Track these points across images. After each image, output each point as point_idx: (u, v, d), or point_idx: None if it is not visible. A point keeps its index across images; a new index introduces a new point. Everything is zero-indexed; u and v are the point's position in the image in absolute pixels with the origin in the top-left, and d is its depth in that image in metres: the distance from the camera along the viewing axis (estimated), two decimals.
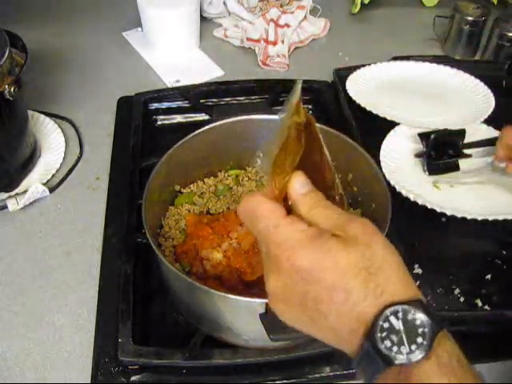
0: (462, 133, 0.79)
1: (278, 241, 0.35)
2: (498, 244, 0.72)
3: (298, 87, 0.38)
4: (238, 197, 0.72)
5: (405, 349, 0.32)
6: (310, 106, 0.92)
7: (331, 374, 0.58)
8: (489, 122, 0.84)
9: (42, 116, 0.88)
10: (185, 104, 0.91)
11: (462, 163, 0.80)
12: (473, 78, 0.93)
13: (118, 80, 0.99)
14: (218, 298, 0.52)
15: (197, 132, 0.69)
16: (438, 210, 0.71)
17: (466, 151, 0.81)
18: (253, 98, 0.92)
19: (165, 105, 0.91)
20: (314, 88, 0.93)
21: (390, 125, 0.84)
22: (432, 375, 0.32)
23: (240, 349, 0.57)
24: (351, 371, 0.58)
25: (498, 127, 0.85)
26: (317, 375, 0.58)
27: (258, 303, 0.50)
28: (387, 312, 0.32)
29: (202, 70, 1.03)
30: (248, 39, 1.07)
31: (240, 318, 0.55)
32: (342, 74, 0.95)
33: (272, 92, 0.90)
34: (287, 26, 1.09)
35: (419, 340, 0.32)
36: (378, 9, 1.22)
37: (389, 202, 0.59)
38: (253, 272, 0.60)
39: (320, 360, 0.58)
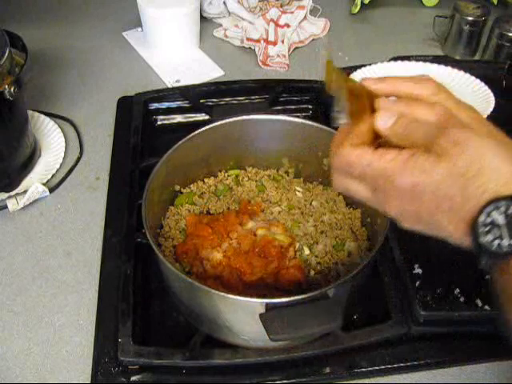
0: None
1: (377, 174, 0.39)
2: None
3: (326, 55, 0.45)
4: (237, 197, 0.72)
5: (507, 240, 0.34)
6: (310, 106, 0.92)
7: (331, 374, 0.58)
8: (489, 121, 0.84)
9: (42, 116, 0.88)
10: (185, 104, 0.91)
11: None
12: (473, 78, 0.92)
13: (118, 80, 0.99)
14: (218, 297, 0.52)
15: (197, 132, 0.69)
16: None
17: None
18: (253, 98, 0.92)
19: (165, 105, 0.91)
20: (314, 88, 0.93)
21: None
22: None
23: (240, 349, 0.57)
24: (351, 371, 0.58)
25: (497, 127, 0.84)
26: (317, 375, 0.58)
27: (258, 303, 0.50)
28: (491, 205, 0.34)
29: (202, 70, 1.03)
30: (248, 39, 1.07)
31: (240, 318, 0.55)
32: None
33: (272, 92, 0.90)
34: (287, 26, 1.09)
35: None
36: (378, 9, 1.22)
37: None
38: (253, 272, 0.60)
39: (320, 360, 0.58)
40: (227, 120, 0.70)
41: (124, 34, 1.12)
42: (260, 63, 1.04)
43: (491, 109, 0.85)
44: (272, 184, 0.74)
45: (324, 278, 0.62)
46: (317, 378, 0.58)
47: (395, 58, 1.00)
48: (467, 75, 0.93)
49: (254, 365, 0.57)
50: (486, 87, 0.90)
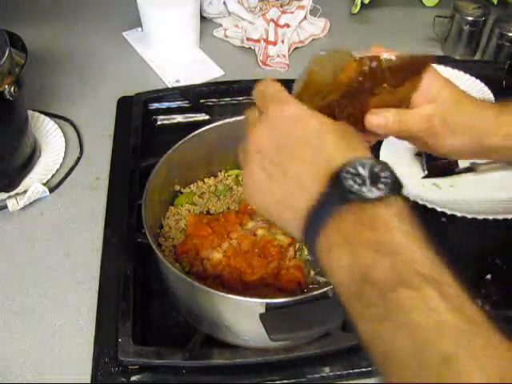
0: None
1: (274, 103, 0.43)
2: (498, 244, 0.72)
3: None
4: (238, 197, 0.72)
5: (366, 188, 0.35)
6: None
7: (331, 374, 0.58)
8: None
9: (42, 116, 0.88)
10: (185, 104, 0.91)
11: (462, 163, 0.80)
12: (473, 78, 0.92)
13: (118, 80, 0.99)
14: (218, 297, 0.52)
15: (197, 132, 0.69)
16: (438, 210, 0.71)
17: None
18: (253, 97, 0.92)
19: (165, 105, 0.91)
20: None
21: None
22: (385, 215, 0.35)
23: (240, 349, 0.57)
24: (351, 371, 0.58)
25: None
26: (317, 375, 0.58)
27: (258, 303, 0.50)
28: (356, 162, 0.36)
29: (201, 70, 1.03)
30: (248, 39, 1.07)
31: (240, 318, 0.55)
32: None
33: None
34: (287, 26, 1.09)
35: (381, 186, 0.35)
36: (378, 9, 1.22)
37: None
38: (253, 272, 0.60)
39: (320, 360, 0.58)
40: (227, 120, 0.70)
41: (124, 34, 1.12)
42: (260, 63, 1.04)
43: None
44: None
45: (324, 278, 0.62)
46: (317, 377, 0.58)
47: None
48: (467, 75, 0.93)
49: (254, 365, 0.57)
50: (486, 88, 0.90)
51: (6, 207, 0.74)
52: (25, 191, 0.75)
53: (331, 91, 0.46)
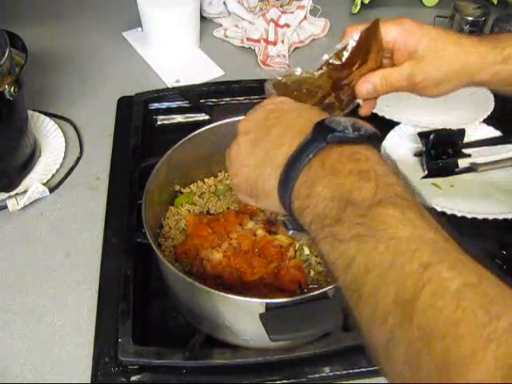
0: (461, 132, 0.80)
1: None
2: (498, 244, 0.72)
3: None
4: (237, 197, 0.72)
5: (348, 131, 0.38)
6: None
7: (331, 374, 0.58)
8: (488, 121, 0.84)
9: (42, 116, 0.88)
10: (185, 104, 0.91)
11: (462, 163, 0.80)
12: None
13: (118, 80, 0.99)
14: (218, 297, 0.52)
15: (197, 132, 0.69)
16: (438, 209, 0.71)
17: (466, 151, 0.81)
18: (253, 97, 0.92)
19: (165, 105, 0.91)
20: None
21: (390, 124, 0.84)
22: (367, 153, 0.37)
23: (240, 349, 0.57)
24: (351, 371, 0.58)
25: (497, 127, 0.85)
26: (317, 375, 0.58)
27: (258, 303, 0.50)
28: (337, 117, 0.39)
29: (201, 70, 1.03)
30: (248, 39, 1.07)
31: (240, 317, 0.55)
32: None
33: None
34: (287, 26, 1.09)
35: (362, 132, 0.38)
36: (378, 9, 1.22)
37: None
38: (253, 272, 0.60)
39: (320, 360, 0.58)
40: (227, 120, 0.70)
41: (124, 33, 1.12)
42: (260, 63, 1.04)
43: (491, 109, 0.86)
44: None
45: (324, 278, 0.62)
46: (317, 377, 0.58)
47: None
48: None
49: (254, 365, 0.57)
50: (486, 87, 0.90)
51: (5, 207, 0.74)
52: (25, 191, 0.75)
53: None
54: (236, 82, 0.94)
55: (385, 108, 0.85)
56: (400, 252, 0.30)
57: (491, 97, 0.88)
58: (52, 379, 0.58)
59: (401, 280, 0.29)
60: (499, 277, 0.29)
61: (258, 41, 1.07)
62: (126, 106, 0.90)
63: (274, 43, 1.06)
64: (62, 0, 1.21)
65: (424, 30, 0.54)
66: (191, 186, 0.74)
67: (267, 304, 0.50)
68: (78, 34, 1.11)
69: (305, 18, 1.13)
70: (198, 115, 0.90)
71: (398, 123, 0.84)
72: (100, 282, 0.66)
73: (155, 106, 0.91)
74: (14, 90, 0.68)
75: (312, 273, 0.63)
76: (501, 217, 0.70)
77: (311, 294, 0.51)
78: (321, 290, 0.51)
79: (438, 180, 0.79)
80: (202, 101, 0.91)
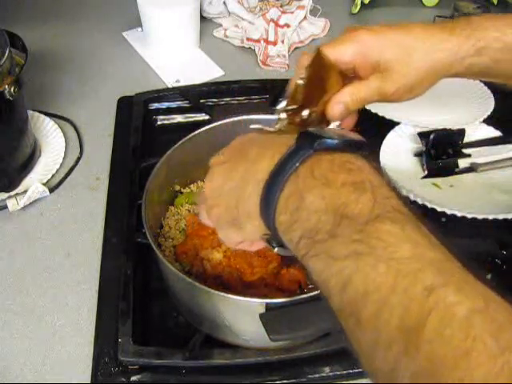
0: (461, 132, 0.80)
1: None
2: (498, 244, 0.72)
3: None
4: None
5: (335, 138, 0.36)
6: None
7: (331, 374, 0.58)
8: (488, 121, 0.84)
9: (42, 116, 0.88)
10: (185, 104, 0.91)
11: (462, 163, 0.80)
12: None
13: (118, 80, 0.99)
14: (218, 297, 0.52)
15: (197, 132, 0.69)
16: (438, 209, 0.71)
17: (466, 151, 0.81)
18: (253, 97, 0.92)
19: (165, 105, 0.91)
20: None
21: (390, 124, 0.84)
22: (358, 162, 0.35)
23: (240, 349, 0.57)
24: (351, 371, 0.58)
25: (497, 127, 0.85)
26: (317, 375, 0.58)
27: (258, 303, 0.50)
28: (321, 130, 0.37)
29: (201, 69, 1.03)
30: (248, 39, 1.07)
31: (240, 317, 0.55)
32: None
33: (272, 92, 0.90)
34: (287, 26, 1.09)
35: (350, 140, 0.36)
36: (378, 9, 1.22)
37: None
38: (253, 272, 0.60)
39: (320, 360, 0.58)
40: (227, 120, 0.70)
41: (124, 33, 1.12)
42: (260, 63, 1.04)
43: (491, 109, 0.86)
44: None
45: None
46: (317, 377, 0.58)
47: None
48: None
49: (254, 365, 0.57)
50: (486, 88, 0.90)
51: (5, 207, 0.74)
52: (25, 191, 0.75)
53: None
54: (236, 81, 0.94)
55: (385, 108, 0.85)
56: (402, 273, 0.28)
57: (491, 97, 0.88)
58: (52, 379, 0.58)
59: (404, 305, 0.27)
60: (499, 294, 0.28)
61: (258, 41, 1.07)
62: (126, 106, 0.90)
63: (274, 43, 1.06)
64: (62, 0, 1.21)
65: (381, 41, 0.50)
66: (191, 185, 0.74)
67: (267, 304, 0.50)
68: (78, 34, 1.11)
69: (305, 17, 1.13)
70: (197, 115, 0.90)
71: (398, 123, 0.84)
72: (100, 282, 0.66)
73: (155, 105, 0.91)
74: (14, 90, 0.68)
75: None
76: (501, 217, 0.70)
77: (311, 294, 0.51)
78: None
79: (438, 180, 0.79)
80: (201, 101, 0.91)
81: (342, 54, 0.50)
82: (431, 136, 0.78)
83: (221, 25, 1.15)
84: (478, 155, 0.81)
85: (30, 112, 0.82)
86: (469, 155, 0.81)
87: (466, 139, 0.80)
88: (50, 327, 0.62)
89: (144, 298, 0.64)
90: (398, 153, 0.81)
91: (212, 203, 0.42)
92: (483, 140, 0.83)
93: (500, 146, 0.82)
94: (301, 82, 0.49)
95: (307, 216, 0.33)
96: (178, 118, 0.91)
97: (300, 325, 0.49)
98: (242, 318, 0.55)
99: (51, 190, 0.77)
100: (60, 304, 0.64)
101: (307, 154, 0.35)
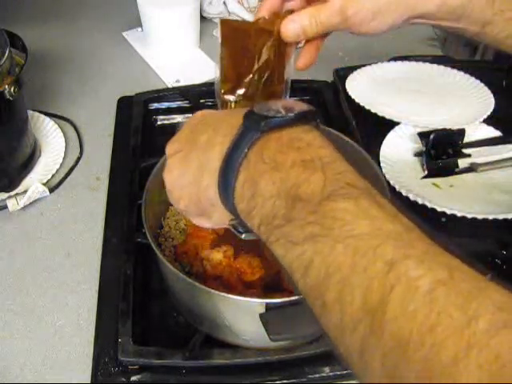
0: (461, 132, 0.80)
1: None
2: (498, 244, 0.72)
3: None
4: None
5: (281, 114, 0.34)
6: None
7: (331, 373, 0.58)
8: (488, 121, 0.84)
9: (42, 116, 0.88)
10: (185, 104, 0.91)
11: (462, 163, 0.80)
12: (472, 78, 0.93)
13: (118, 80, 0.99)
14: (218, 297, 0.52)
15: None
16: (438, 210, 0.71)
17: (466, 151, 0.81)
18: None
19: (165, 105, 0.91)
20: (314, 88, 0.93)
21: (390, 124, 0.84)
22: (307, 137, 0.34)
23: (240, 349, 0.57)
24: (351, 371, 0.57)
25: (497, 127, 0.85)
26: (317, 375, 0.57)
27: (257, 303, 0.50)
28: (267, 103, 0.36)
29: (201, 69, 1.03)
30: None
31: (240, 317, 0.55)
32: (342, 74, 0.95)
33: None
34: None
35: (295, 112, 0.35)
36: None
37: None
38: (253, 272, 0.60)
39: (320, 360, 0.58)
40: None
41: (124, 33, 1.12)
42: None
43: (491, 109, 0.86)
44: None
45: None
46: (317, 377, 0.58)
47: (395, 58, 1.00)
48: (467, 76, 0.93)
49: (254, 365, 0.57)
50: (486, 88, 0.90)
51: (6, 207, 0.74)
52: (25, 191, 0.75)
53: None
54: None
55: (385, 108, 0.85)
56: (361, 251, 0.27)
57: (491, 97, 0.88)
58: (52, 379, 0.58)
59: (366, 284, 0.26)
60: (465, 261, 0.27)
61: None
62: (126, 106, 0.90)
63: None
64: (62, 0, 1.21)
65: None
66: None
67: (267, 304, 0.50)
68: (78, 34, 1.11)
69: None
70: None
71: (398, 123, 0.84)
72: (100, 282, 0.66)
73: (155, 105, 0.91)
74: (14, 89, 0.68)
75: None
76: (501, 217, 0.70)
77: None
78: None
79: (438, 180, 0.79)
80: (201, 101, 0.91)
81: None
82: (431, 136, 0.78)
83: None
84: (478, 155, 0.81)
85: (30, 112, 0.82)
86: (469, 155, 0.81)
87: (466, 139, 0.80)
88: (50, 327, 0.62)
89: (144, 298, 0.64)
90: (398, 153, 0.81)
91: (176, 196, 0.42)
92: (483, 140, 0.83)
93: (500, 146, 0.82)
94: (222, 59, 0.50)
95: (262, 202, 0.33)
96: (178, 118, 0.91)
97: (300, 325, 0.49)
98: (242, 318, 0.55)
99: (51, 190, 0.77)
100: (60, 304, 0.64)
101: (255, 137, 0.34)
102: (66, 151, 0.83)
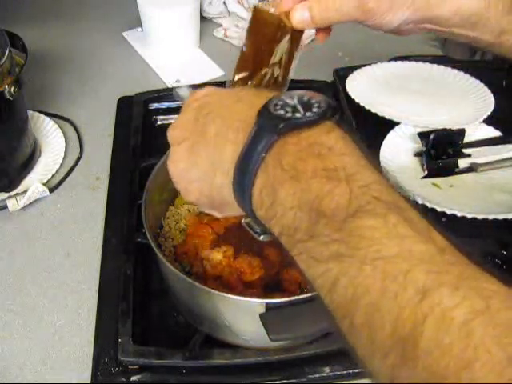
0: (461, 132, 0.80)
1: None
2: (498, 244, 0.72)
3: None
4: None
5: (300, 114, 0.31)
6: None
7: (331, 373, 0.58)
8: (488, 121, 0.84)
9: (42, 116, 0.88)
10: None
11: (462, 163, 0.80)
12: (472, 78, 0.92)
13: (118, 80, 0.99)
14: (218, 298, 0.52)
15: None
16: (438, 209, 0.71)
17: (466, 151, 0.81)
18: None
19: (165, 105, 0.91)
20: (314, 88, 0.93)
21: (390, 124, 0.84)
22: (329, 140, 0.31)
23: (240, 349, 0.57)
24: (351, 371, 0.58)
25: (497, 127, 0.85)
26: (317, 375, 0.58)
27: (257, 303, 0.50)
28: (281, 96, 0.33)
29: (202, 69, 1.03)
30: None
31: (240, 317, 0.55)
32: (342, 74, 0.95)
33: None
34: None
35: (315, 110, 0.32)
36: None
37: None
38: (253, 272, 0.60)
39: (320, 360, 0.58)
40: None
41: (124, 33, 1.12)
42: None
43: (491, 109, 0.85)
44: None
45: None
46: (317, 377, 0.58)
47: (395, 58, 1.00)
48: (467, 76, 0.93)
49: (254, 365, 0.57)
50: (486, 88, 0.90)
51: (6, 207, 0.74)
52: (25, 191, 0.75)
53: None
54: None
55: (385, 108, 0.85)
56: (391, 276, 0.25)
57: (491, 97, 0.88)
58: (52, 379, 0.58)
59: (396, 311, 0.25)
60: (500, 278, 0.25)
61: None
62: (126, 106, 0.90)
63: None
64: (62, 0, 1.21)
65: None
66: None
67: (267, 304, 0.50)
68: (78, 34, 1.11)
69: None
70: None
71: (398, 123, 0.84)
72: (100, 282, 0.66)
73: (155, 105, 0.91)
74: (14, 89, 0.68)
75: None
76: (501, 217, 0.70)
77: (311, 294, 0.50)
78: None
79: (438, 180, 0.79)
80: None
81: None
82: (431, 136, 0.78)
83: (221, 25, 1.15)
84: (478, 155, 0.81)
85: (30, 112, 0.82)
86: (469, 155, 0.81)
87: (466, 139, 0.80)
88: (50, 327, 0.62)
89: (144, 298, 0.64)
90: (398, 153, 0.81)
91: (183, 187, 0.40)
92: (483, 140, 0.83)
93: (500, 146, 0.82)
94: (244, 47, 0.48)
95: (283, 212, 0.30)
96: None
97: (300, 325, 0.49)
98: (242, 318, 0.55)
99: (51, 190, 0.77)
100: (60, 304, 0.64)
101: (271, 141, 0.31)
102: (66, 151, 0.83)
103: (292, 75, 0.51)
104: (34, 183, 0.76)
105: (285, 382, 0.57)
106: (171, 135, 0.40)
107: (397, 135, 0.83)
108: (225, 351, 0.57)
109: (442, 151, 0.79)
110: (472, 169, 0.80)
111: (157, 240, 0.65)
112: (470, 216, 0.70)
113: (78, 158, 0.83)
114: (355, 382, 0.58)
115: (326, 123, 0.32)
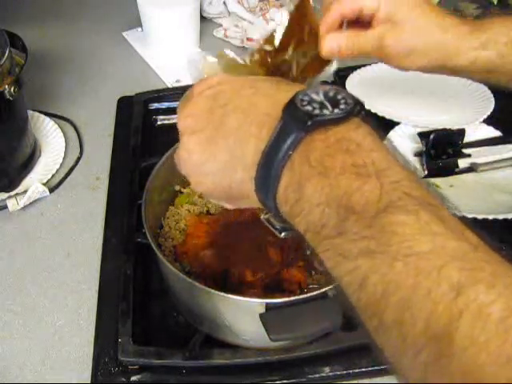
0: (461, 132, 0.80)
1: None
2: (498, 244, 0.71)
3: None
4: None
5: (328, 111, 0.31)
6: None
7: (331, 374, 0.58)
8: (488, 121, 0.84)
9: (42, 116, 0.88)
10: None
11: (462, 163, 0.80)
12: None
13: (118, 80, 0.99)
14: (218, 298, 0.52)
15: None
16: None
17: (466, 151, 0.81)
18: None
19: (165, 105, 0.91)
20: None
21: (390, 124, 0.84)
22: (357, 136, 0.31)
23: (240, 349, 0.57)
24: (351, 371, 0.58)
25: (497, 127, 0.85)
26: (317, 375, 0.57)
27: (257, 303, 0.50)
28: (307, 91, 0.32)
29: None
30: (248, 39, 1.07)
31: (240, 317, 0.55)
32: (342, 73, 0.95)
33: None
34: None
35: (343, 107, 0.31)
36: None
37: None
38: (253, 272, 0.60)
39: (320, 360, 0.58)
40: None
41: (124, 33, 1.12)
42: None
43: (491, 109, 0.86)
44: None
45: (325, 278, 0.62)
46: (317, 377, 0.57)
47: None
48: None
49: (254, 365, 0.57)
50: (486, 88, 0.90)
51: (6, 207, 0.74)
52: (25, 191, 0.75)
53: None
54: None
55: (385, 108, 0.85)
56: (424, 272, 0.25)
57: (491, 97, 0.88)
58: (52, 379, 0.58)
59: (430, 307, 0.24)
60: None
61: (258, 41, 1.07)
62: (126, 106, 0.90)
63: None
64: (62, 0, 1.21)
65: None
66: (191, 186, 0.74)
67: (267, 304, 0.50)
68: (78, 34, 1.11)
69: None
70: None
71: (398, 123, 0.84)
72: (100, 282, 0.66)
73: (155, 105, 0.91)
74: (14, 89, 0.68)
75: (313, 273, 0.63)
76: (501, 217, 0.70)
77: (311, 294, 0.51)
78: (321, 290, 0.51)
79: (438, 180, 0.78)
80: None
81: None
82: (431, 136, 0.78)
83: (221, 25, 1.15)
84: (478, 155, 0.81)
85: (30, 112, 0.82)
86: (469, 155, 0.81)
87: (466, 139, 0.80)
88: (50, 327, 0.62)
89: (144, 298, 0.64)
90: (398, 153, 0.81)
91: (196, 181, 0.39)
92: (483, 140, 0.83)
93: (500, 146, 0.82)
94: (280, 26, 0.51)
95: (309, 208, 0.30)
96: None
97: (300, 325, 0.49)
98: (242, 318, 0.55)
99: (51, 190, 0.77)
100: (60, 304, 0.64)
101: (299, 137, 0.30)
102: (66, 151, 0.84)
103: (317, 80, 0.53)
104: (33, 183, 0.76)
105: (285, 381, 0.57)
106: (183, 124, 0.38)
107: (397, 135, 0.83)
108: (225, 351, 0.57)
109: (441, 151, 0.79)
110: (472, 169, 0.80)
111: (157, 240, 0.65)
112: (469, 216, 0.70)
113: (78, 158, 0.83)
114: (355, 382, 0.58)
115: (354, 119, 0.31)
